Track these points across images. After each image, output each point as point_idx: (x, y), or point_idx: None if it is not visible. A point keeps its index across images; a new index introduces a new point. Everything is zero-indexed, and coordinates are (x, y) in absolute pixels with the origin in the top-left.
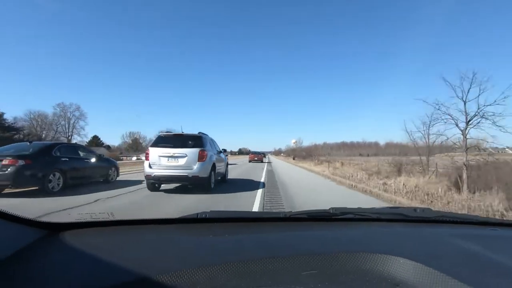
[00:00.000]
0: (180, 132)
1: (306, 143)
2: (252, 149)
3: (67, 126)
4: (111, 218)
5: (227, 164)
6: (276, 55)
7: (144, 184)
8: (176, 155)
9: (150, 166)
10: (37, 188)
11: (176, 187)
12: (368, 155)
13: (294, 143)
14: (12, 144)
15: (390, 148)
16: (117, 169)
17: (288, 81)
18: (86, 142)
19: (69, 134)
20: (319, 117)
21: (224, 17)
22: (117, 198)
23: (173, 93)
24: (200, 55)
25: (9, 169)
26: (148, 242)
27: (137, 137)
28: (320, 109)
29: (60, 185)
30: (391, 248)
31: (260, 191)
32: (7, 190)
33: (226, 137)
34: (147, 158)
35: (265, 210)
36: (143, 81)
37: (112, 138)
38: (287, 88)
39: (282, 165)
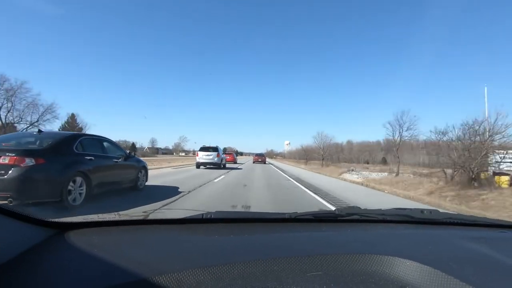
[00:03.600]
0: (210, 145)
1: (296, 145)
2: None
3: None
4: (117, 218)
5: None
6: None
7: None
8: (209, 154)
9: (199, 158)
10: (48, 200)
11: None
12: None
13: (287, 144)
14: (11, 134)
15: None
16: (146, 171)
17: (279, 82)
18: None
19: None
20: (309, 119)
21: (209, 14)
22: None
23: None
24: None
25: (10, 173)
26: (153, 242)
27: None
28: (310, 111)
29: (83, 196)
30: (397, 250)
31: None
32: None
33: (206, 134)
34: (197, 155)
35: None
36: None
37: None
38: (278, 88)
39: None
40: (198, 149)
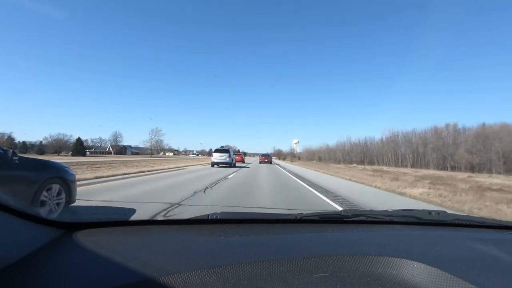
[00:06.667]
0: (222, 147)
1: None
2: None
3: None
4: (124, 218)
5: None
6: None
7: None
8: (222, 155)
9: (214, 158)
10: None
11: (221, 165)
12: None
13: (296, 143)
14: None
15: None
16: (68, 185)
17: (283, 82)
18: None
19: None
20: (317, 118)
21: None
22: None
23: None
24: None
25: None
26: (159, 242)
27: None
28: (318, 110)
29: None
30: (404, 251)
31: None
32: None
33: (203, 132)
34: (211, 155)
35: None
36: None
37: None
38: (283, 88)
39: None
40: (213, 150)
